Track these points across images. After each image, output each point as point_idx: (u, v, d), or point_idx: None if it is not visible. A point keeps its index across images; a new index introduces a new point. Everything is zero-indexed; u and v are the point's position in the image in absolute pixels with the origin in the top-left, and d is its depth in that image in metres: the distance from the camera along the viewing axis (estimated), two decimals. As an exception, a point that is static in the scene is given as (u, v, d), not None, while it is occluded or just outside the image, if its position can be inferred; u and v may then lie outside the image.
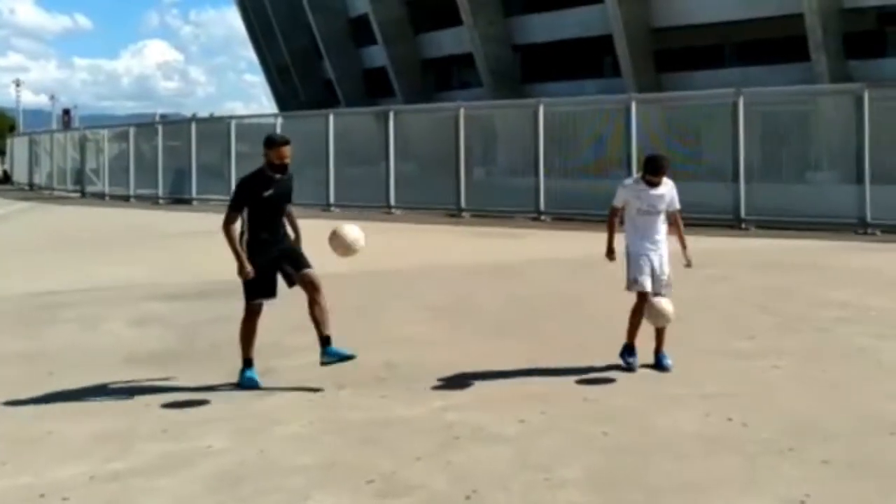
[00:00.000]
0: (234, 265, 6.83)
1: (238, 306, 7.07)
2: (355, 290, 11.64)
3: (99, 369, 7.65)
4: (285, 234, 7.06)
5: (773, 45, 28.33)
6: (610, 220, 7.48)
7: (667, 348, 7.37)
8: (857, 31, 26.98)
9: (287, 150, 6.87)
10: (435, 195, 23.30)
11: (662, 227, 7.33)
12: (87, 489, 5.04)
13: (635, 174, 7.52)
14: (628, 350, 7.37)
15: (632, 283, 7.26)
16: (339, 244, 6.88)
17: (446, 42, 39.58)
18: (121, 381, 7.24)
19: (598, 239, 17.11)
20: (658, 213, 7.27)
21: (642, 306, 7.23)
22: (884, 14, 27.91)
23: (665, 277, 7.29)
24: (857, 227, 17.22)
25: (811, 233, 16.89)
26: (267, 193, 6.83)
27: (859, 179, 17.51)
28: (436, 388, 6.89)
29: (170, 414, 6.37)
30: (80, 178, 36.85)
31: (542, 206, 21.24)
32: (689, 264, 7.38)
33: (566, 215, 20.65)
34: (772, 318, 9.40)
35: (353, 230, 6.95)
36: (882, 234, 16.73)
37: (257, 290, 6.89)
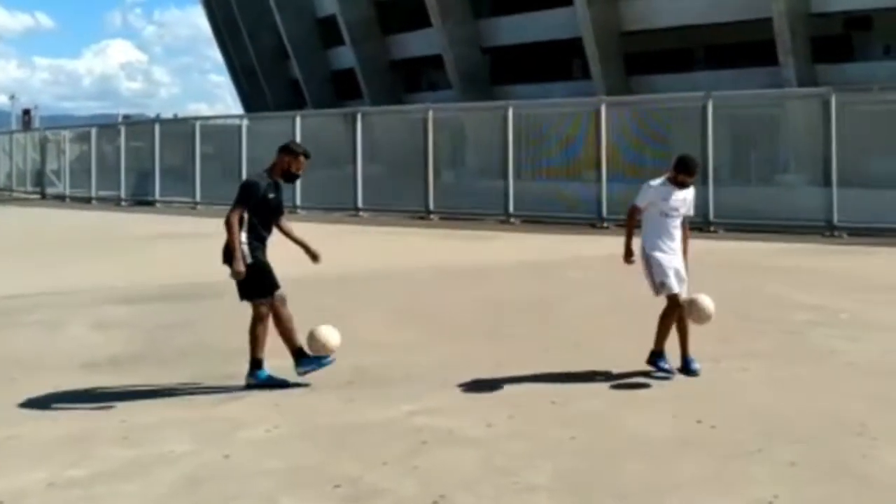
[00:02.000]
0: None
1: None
2: (323, 293, 11.53)
3: (60, 374, 7.50)
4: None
5: (742, 48, 28.53)
6: (630, 220, 7.36)
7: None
8: (824, 36, 27.24)
9: (307, 163, 7.11)
10: (403, 197, 23.21)
11: (678, 232, 7.22)
12: (46, 496, 4.92)
13: (660, 177, 7.24)
14: (659, 356, 7.14)
15: (659, 286, 7.08)
16: (318, 346, 6.85)
17: (415, 44, 39.48)
18: (82, 385, 7.10)
19: (566, 241, 17.23)
20: (678, 216, 7.17)
21: (674, 310, 7.07)
22: (850, 19, 28.22)
23: (685, 282, 7.21)
24: (824, 229, 17.36)
25: (779, 235, 17.01)
26: (272, 196, 6.95)
27: (826, 182, 17.65)
28: (403, 391, 6.82)
29: (132, 418, 6.24)
30: (40, 179, 36.37)
31: (511, 209, 21.23)
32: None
33: (535, 218, 20.66)
34: (741, 321, 9.40)
35: (331, 336, 6.88)
36: (848, 237, 16.88)
37: (268, 286, 6.89)
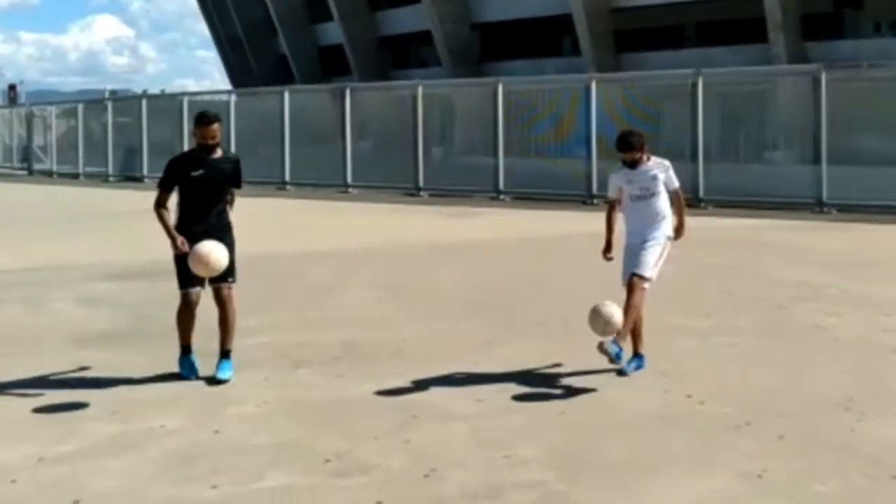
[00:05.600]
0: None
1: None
2: (312, 269, 11.52)
3: (46, 350, 7.47)
4: (223, 228, 6.64)
5: (732, 25, 28.46)
6: (608, 214, 6.82)
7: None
8: (814, 13, 27.19)
9: (213, 128, 6.48)
10: (392, 174, 23.12)
11: (660, 210, 6.66)
12: (36, 471, 4.91)
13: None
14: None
15: (623, 278, 6.63)
16: (199, 263, 6.24)
17: (404, 19, 39.22)
18: (69, 361, 7.06)
19: (556, 218, 17.25)
20: (653, 195, 6.68)
21: (632, 300, 6.52)
22: (841, -4, 28.18)
23: (641, 259, 6.54)
24: (814, 206, 17.39)
25: (768, 212, 17.05)
26: (196, 173, 6.49)
27: (816, 160, 17.66)
28: (393, 367, 6.82)
29: (120, 394, 6.23)
30: (26, 155, 36.11)
31: (500, 186, 21.17)
32: (677, 235, 6.74)
33: (525, 195, 20.61)
34: (729, 297, 9.44)
35: (210, 250, 6.24)
36: (838, 214, 16.91)
37: (181, 279, 6.53)
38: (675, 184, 6.76)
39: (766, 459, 4.91)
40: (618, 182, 6.76)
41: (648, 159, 6.73)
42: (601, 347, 6.23)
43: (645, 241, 6.61)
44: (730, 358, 7.09)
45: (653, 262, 6.55)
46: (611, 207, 6.82)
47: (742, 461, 4.91)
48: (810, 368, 6.79)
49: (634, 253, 6.61)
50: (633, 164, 6.67)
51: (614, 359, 6.24)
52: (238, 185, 6.81)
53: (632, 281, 6.52)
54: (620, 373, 6.49)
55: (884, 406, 5.85)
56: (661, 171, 6.71)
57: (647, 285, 6.52)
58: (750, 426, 5.45)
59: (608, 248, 6.74)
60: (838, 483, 4.65)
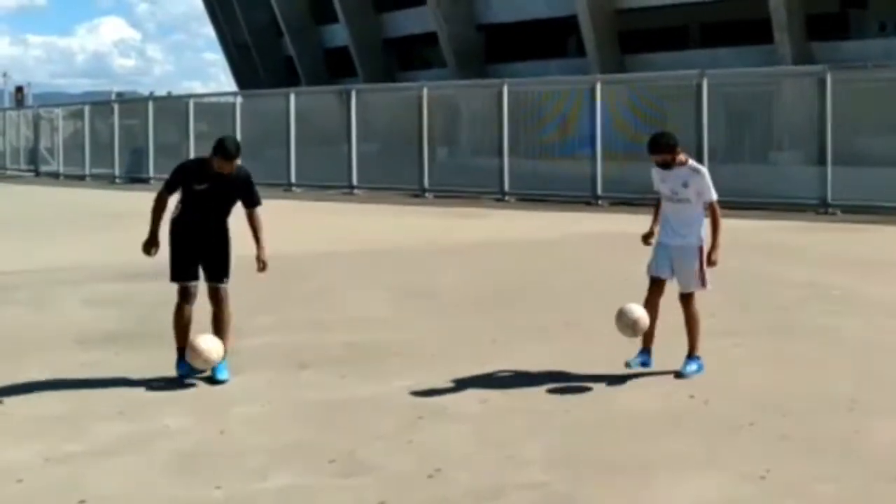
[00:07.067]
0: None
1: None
2: (317, 270, 11.55)
3: (53, 350, 7.50)
4: (220, 241, 6.64)
5: (737, 26, 28.44)
6: (656, 205, 6.88)
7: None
8: (819, 14, 27.15)
9: (234, 164, 6.38)
10: (398, 175, 23.17)
11: (692, 219, 6.62)
12: (42, 470, 4.93)
13: None
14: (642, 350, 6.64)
15: (647, 267, 6.73)
16: (197, 357, 6.35)
17: (409, 21, 39.24)
18: (76, 362, 7.09)
19: (561, 219, 17.26)
20: (681, 201, 6.57)
21: (652, 294, 6.63)
22: (846, -4, 28.14)
23: (685, 278, 6.60)
24: (818, 207, 17.40)
25: (773, 213, 17.05)
26: (200, 187, 6.46)
27: (821, 161, 17.66)
28: (397, 368, 6.83)
29: (126, 394, 6.25)
30: (33, 157, 36.23)
31: (506, 187, 21.20)
32: (709, 262, 6.57)
33: (530, 196, 20.65)
34: (733, 297, 9.41)
35: (207, 342, 6.36)
36: (842, 215, 16.91)
37: (175, 271, 6.62)
38: (711, 196, 6.62)
39: (770, 460, 4.91)
40: (654, 178, 6.77)
41: (684, 162, 6.64)
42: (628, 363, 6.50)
43: (676, 247, 6.62)
44: (733, 358, 7.09)
45: (694, 278, 6.63)
46: (658, 199, 6.81)
47: (745, 462, 4.91)
48: (814, 369, 6.79)
49: (665, 256, 6.64)
50: (663, 166, 6.63)
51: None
52: (251, 202, 6.66)
53: (683, 301, 6.66)
54: (678, 375, 6.54)
55: (888, 407, 5.85)
56: (692, 177, 6.58)
57: (694, 298, 6.67)
58: (753, 427, 5.45)
59: (648, 234, 6.76)
60: (841, 484, 4.66)
